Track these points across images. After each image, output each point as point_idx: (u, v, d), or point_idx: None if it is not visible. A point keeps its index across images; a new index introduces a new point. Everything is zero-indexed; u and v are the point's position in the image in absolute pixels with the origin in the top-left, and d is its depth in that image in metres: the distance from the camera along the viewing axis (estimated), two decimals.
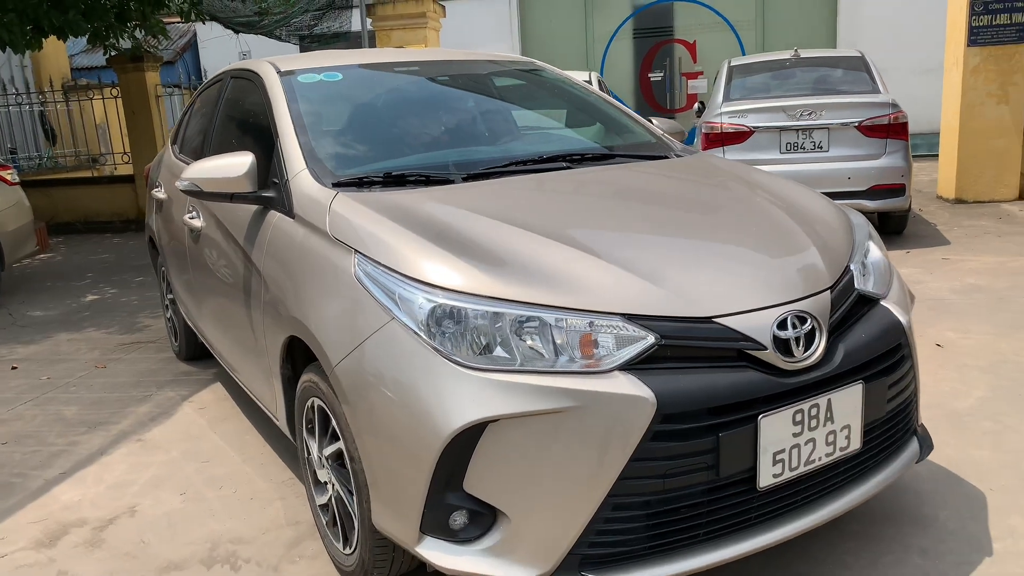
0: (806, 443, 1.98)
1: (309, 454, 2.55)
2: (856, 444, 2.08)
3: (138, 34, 9.19)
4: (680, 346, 1.89)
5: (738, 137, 6.56)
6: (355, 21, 10.79)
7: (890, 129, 6.39)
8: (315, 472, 2.53)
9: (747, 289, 2.01)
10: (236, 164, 2.66)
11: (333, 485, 2.37)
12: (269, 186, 2.72)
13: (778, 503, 2.02)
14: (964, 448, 2.99)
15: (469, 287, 1.94)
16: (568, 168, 2.77)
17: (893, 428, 2.24)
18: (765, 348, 1.93)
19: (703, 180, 2.74)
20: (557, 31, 14.73)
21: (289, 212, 2.57)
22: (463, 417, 1.82)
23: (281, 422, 2.78)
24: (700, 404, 1.83)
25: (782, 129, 6.52)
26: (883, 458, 2.25)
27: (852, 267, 2.28)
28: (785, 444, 1.94)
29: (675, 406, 1.81)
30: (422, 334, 1.92)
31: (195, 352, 4.60)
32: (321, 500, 2.51)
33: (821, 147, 6.48)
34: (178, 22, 13.33)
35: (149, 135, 10.33)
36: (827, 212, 2.53)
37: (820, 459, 2.02)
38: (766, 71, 7.35)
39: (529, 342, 1.88)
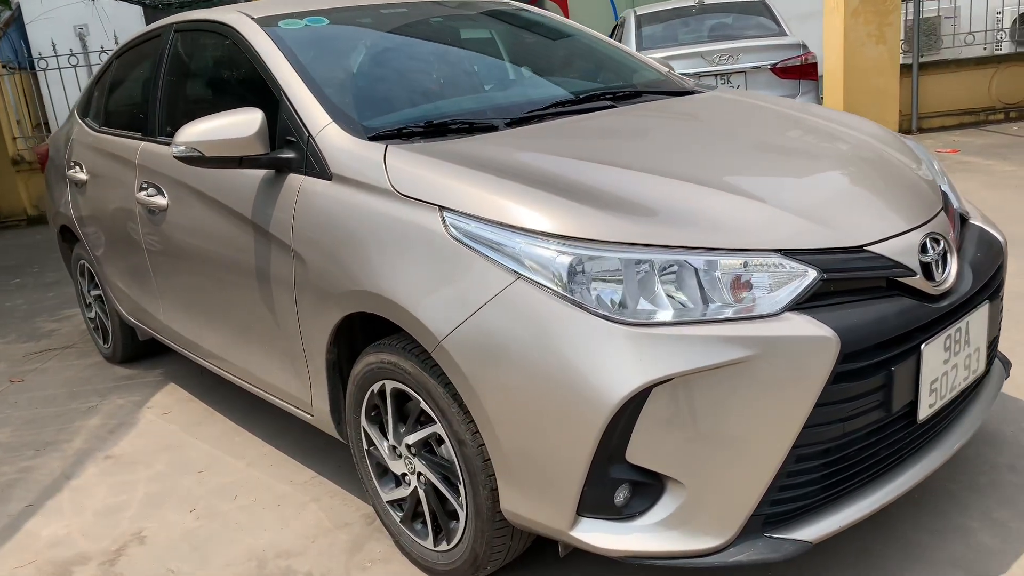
0: (951, 369, 1.91)
1: (371, 446, 2.26)
2: (982, 366, 2.04)
3: None
4: (839, 279, 1.75)
5: None
6: None
7: (802, 70, 6.56)
8: (380, 465, 2.24)
9: (884, 215, 1.90)
10: (244, 122, 2.27)
11: (420, 476, 2.10)
12: (284, 146, 2.36)
13: (926, 434, 1.95)
14: None
15: (607, 235, 1.72)
16: (612, 107, 2.56)
17: (995, 347, 2.22)
18: (915, 273, 1.83)
19: (761, 113, 2.60)
20: None
21: (322, 173, 2.23)
22: (632, 380, 1.60)
23: (320, 416, 2.44)
24: (876, 339, 1.70)
25: (701, 75, 6.53)
26: (986, 380, 2.23)
27: (943, 188, 2.23)
28: (938, 372, 1.86)
29: (856, 343, 1.67)
30: (563, 292, 1.68)
31: (132, 353, 4.08)
32: (394, 495, 2.23)
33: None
34: None
35: None
36: (891, 135, 2.46)
37: (959, 384, 1.96)
38: (673, 19, 7.35)
39: (679, 290, 1.69)
